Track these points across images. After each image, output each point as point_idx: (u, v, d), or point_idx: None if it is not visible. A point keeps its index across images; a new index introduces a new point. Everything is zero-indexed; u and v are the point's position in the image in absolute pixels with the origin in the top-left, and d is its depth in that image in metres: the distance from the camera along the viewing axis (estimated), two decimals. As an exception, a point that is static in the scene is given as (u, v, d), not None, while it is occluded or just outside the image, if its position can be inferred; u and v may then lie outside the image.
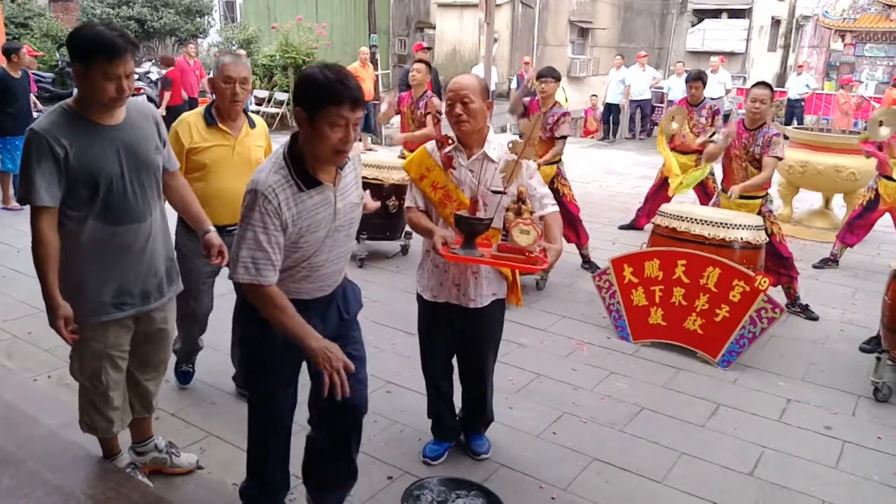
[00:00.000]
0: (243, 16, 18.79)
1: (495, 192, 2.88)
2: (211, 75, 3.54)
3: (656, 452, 3.48)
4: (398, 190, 6.00)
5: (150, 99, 15.02)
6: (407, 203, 3.12)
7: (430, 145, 3.09)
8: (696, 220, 4.80)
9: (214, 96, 3.40)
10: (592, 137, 15.86)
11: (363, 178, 5.77)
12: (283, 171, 2.21)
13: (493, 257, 2.84)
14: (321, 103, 2.10)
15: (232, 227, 3.38)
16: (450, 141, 3.01)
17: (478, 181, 2.93)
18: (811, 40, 28.67)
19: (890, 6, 22.61)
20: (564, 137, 5.76)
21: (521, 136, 3.22)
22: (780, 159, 5.23)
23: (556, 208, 3.02)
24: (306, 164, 2.23)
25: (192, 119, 3.41)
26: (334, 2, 20.45)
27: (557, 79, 5.85)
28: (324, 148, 2.16)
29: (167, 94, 11.15)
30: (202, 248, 2.95)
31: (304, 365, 2.52)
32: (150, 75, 15.53)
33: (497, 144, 3.02)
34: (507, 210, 2.86)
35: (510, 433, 3.57)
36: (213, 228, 2.97)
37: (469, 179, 2.96)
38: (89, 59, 2.35)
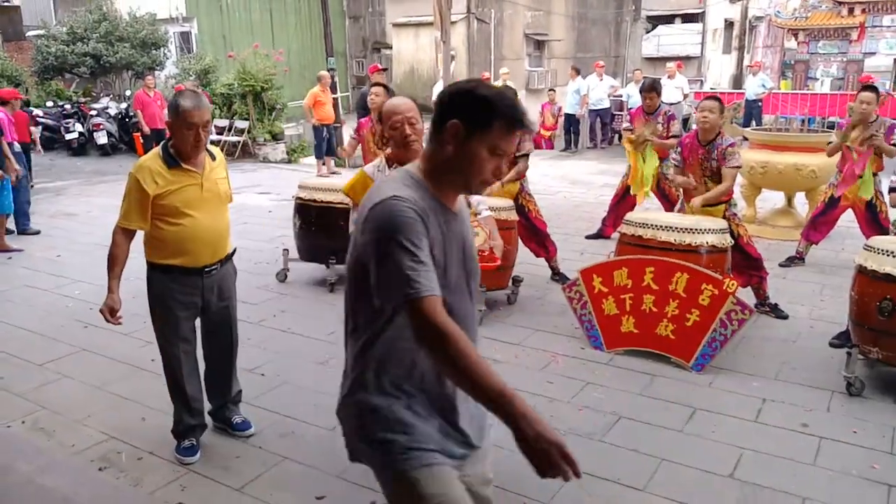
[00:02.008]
0: (199, 46, 18.67)
1: None
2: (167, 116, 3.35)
3: (636, 460, 3.50)
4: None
5: (109, 134, 14.92)
6: (351, 228, 3.12)
7: (370, 167, 3.16)
8: (661, 226, 4.87)
9: (173, 139, 3.25)
10: (550, 139, 15.78)
11: (328, 202, 5.90)
12: None
13: None
14: None
15: (212, 268, 3.39)
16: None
17: None
18: (765, 40, 29.33)
19: (839, 3, 23.21)
20: (527, 155, 5.82)
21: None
22: (739, 168, 5.33)
23: (490, 212, 3.29)
24: None
25: (151, 164, 3.22)
26: (290, 27, 20.48)
27: (514, 94, 5.92)
28: None
29: None
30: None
31: None
32: (109, 110, 15.41)
33: None
34: None
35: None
36: None
37: None
38: (487, 124, 1.75)
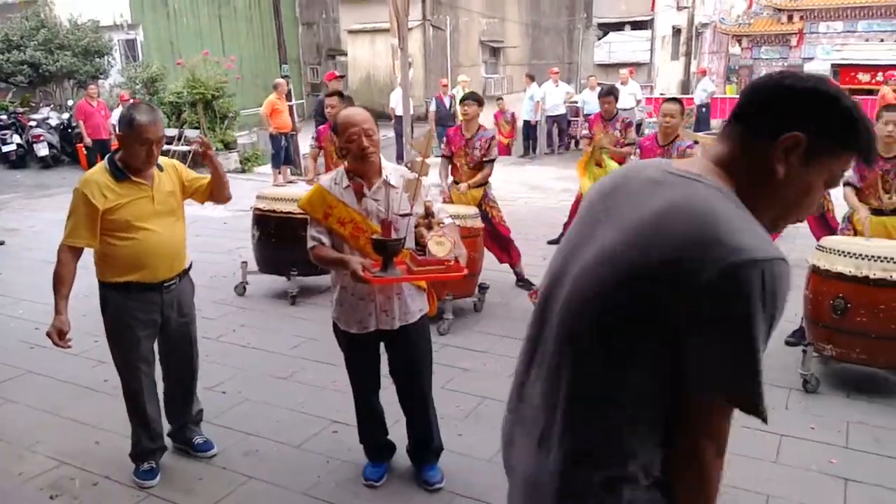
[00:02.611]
0: (145, 54, 18.23)
1: (405, 216, 2.97)
2: (116, 127, 3.24)
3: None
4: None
5: (51, 146, 14.46)
6: (310, 244, 3.05)
7: (326, 180, 3.10)
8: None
9: (122, 152, 3.14)
10: (508, 146, 15.83)
11: (288, 213, 5.80)
12: None
13: (413, 273, 2.90)
14: None
15: (171, 282, 3.30)
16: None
17: (385, 208, 2.99)
18: (711, 46, 30.04)
19: (780, 10, 23.93)
20: (493, 161, 5.84)
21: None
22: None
23: (451, 220, 3.16)
24: None
25: (98, 178, 3.11)
26: (241, 34, 20.18)
27: (480, 102, 5.93)
28: None
29: None
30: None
31: None
32: (50, 121, 14.93)
33: (392, 170, 3.11)
34: (418, 226, 2.94)
35: (462, 460, 3.53)
36: None
37: (375, 208, 3.01)
38: (844, 147, 1.33)
